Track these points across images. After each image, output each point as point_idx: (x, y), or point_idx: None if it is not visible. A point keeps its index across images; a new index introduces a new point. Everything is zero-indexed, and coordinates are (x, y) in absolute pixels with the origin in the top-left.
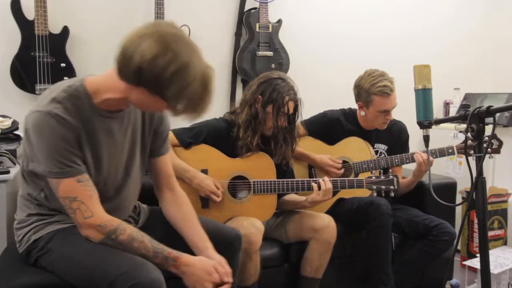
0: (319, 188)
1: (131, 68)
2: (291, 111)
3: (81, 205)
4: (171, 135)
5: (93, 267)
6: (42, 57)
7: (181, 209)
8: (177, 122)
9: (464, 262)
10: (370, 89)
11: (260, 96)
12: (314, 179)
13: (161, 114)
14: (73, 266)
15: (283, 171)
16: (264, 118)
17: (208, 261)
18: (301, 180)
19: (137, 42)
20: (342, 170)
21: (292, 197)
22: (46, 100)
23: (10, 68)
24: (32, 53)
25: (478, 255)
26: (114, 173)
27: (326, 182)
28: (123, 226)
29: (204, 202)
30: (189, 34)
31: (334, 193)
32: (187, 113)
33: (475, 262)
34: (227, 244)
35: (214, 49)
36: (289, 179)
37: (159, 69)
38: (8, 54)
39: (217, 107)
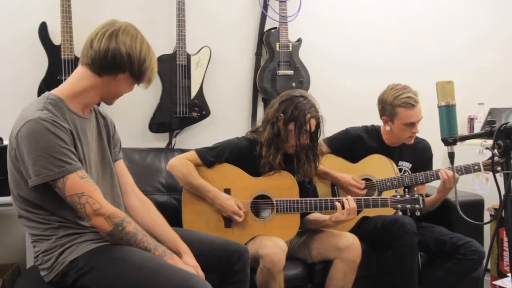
0: (343, 207)
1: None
2: (313, 128)
3: (89, 199)
4: (194, 155)
5: (145, 282)
6: None
7: (150, 216)
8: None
9: (495, 282)
10: (394, 101)
11: (282, 114)
12: (338, 197)
13: (112, 124)
14: (122, 282)
15: (307, 189)
16: (287, 136)
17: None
18: (324, 199)
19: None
20: (365, 191)
21: (315, 216)
22: (29, 113)
23: (38, 92)
24: (58, 77)
25: (509, 274)
26: (89, 169)
27: (350, 201)
28: (128, 218)
29: (226, 221)
30: (210, 54)
31: (358, 212)
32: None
33: (506, 282)
34: (238, 256)
35: (235, 69)
36: (312, 198)
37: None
38: (36, 78)
39: (238, 126)
